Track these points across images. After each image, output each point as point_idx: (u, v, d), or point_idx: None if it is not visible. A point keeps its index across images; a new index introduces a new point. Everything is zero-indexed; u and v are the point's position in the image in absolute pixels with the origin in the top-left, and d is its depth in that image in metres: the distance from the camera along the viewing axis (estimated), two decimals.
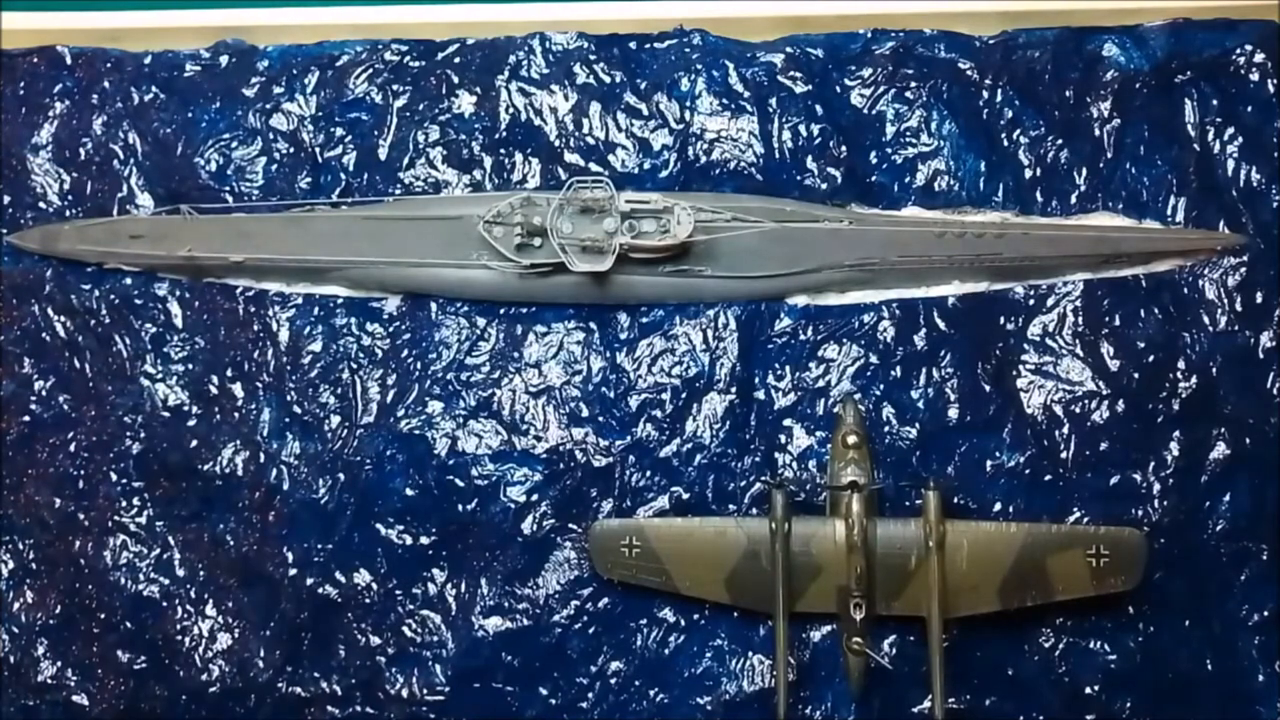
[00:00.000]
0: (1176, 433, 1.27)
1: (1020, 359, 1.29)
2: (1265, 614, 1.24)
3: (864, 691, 1.21)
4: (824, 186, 1.32)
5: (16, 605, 1.25)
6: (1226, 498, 1.26)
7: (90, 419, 1.27)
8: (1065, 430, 1.27)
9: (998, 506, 1.26)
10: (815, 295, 1.30)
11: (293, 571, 1.24)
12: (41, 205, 1.33)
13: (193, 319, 1.30)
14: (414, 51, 1.36)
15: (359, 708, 1.23)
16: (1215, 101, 1.33)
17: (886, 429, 1.27)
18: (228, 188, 1.32)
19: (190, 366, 1.29)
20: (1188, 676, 1.23)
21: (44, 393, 1.28)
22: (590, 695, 1.24)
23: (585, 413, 1.28)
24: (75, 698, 1.24)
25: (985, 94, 1.34)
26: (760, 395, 1.28)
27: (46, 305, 1.30)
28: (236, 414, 1.28)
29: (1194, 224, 1.32)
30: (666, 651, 1.24)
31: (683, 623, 1.25)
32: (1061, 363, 1.29)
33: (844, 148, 1.32)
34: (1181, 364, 1.28)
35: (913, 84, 1.34)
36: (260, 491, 1.26)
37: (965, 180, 1.32)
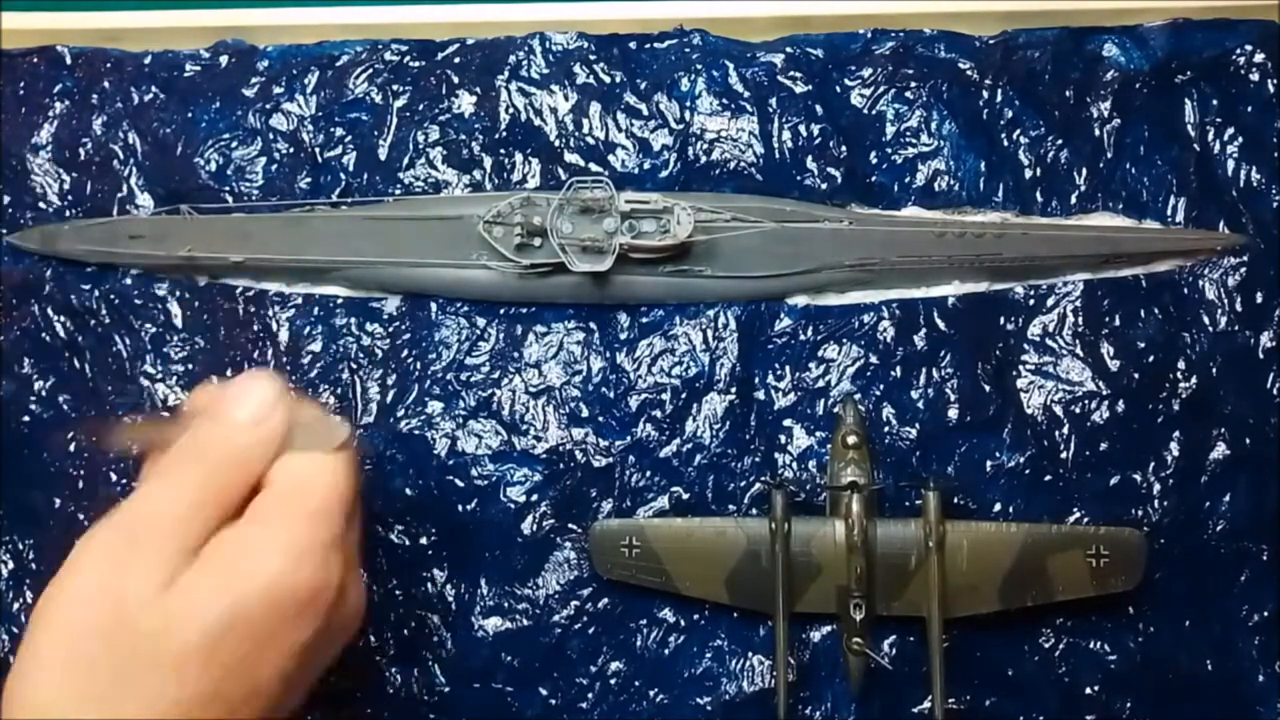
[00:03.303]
0: (1176, 433, 1.27)
1: (1020, 359, 1.29)
2: (1265, 614, 1.24)
3: (864, 691, 1.21)
4: (824, 186, 1.32)
5: (16, 605, 1.25)
6: (1226, 498, 1.26)
7: (90, 419, 1.27)
8: (1065, 430, 1.27)
9: (998, 506, 1.25)
10: (815, 295, 1.30)
11: None
12: (41, 205, 1.32)
13: (193, 319, 1.29)
14: (414, 51, 1.36)
15: (359, 708, 1.22)
16: (1215, 101, 1.33)
17: (886, 429, 1.27)
18: (228, 188, 1.32)
19: (190, 366, 1.28)
20: (1188, 677, 1.23)
21: (44, 393, 1.28)
22: (590, 695, 1.23)
23: (585, 413, 1.28)
24: None
25: (985, 94, 1.34)
26: (760, 395, 1.28)
27: (46, 305, 1.29)
28: None
29: (1194, 224, 1.31)
30: (666, 652, 1.24)
31: (683, 623, 1.25)
32: (1061, 363, 1.29)
33: (844, 148, 1.32)
34: (1181, 364, 1.28)
35: (913, 84, 1.34)
36: None
37: (965, 180, 1.32)
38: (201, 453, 0.83)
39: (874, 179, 1.32)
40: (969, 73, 1.34)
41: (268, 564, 0.79)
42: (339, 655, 0.89)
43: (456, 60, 1.35)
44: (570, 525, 1.25)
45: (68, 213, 1.32)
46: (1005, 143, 1.32)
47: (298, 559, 0.79)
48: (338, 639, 0.88)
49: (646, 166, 1.32)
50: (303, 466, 0.84)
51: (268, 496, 0.82)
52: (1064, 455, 1.26)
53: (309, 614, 0.80)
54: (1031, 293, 1.30)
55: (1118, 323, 1.29)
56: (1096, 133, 1.33)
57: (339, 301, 1.30)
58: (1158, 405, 1.27)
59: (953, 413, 1.27)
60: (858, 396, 1.27)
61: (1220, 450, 1.26)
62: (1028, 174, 1.32)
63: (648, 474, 1.26)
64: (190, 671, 0.76)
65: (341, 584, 0.83)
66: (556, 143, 1.33)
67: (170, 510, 0.80)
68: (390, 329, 1.29)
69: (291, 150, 1.32)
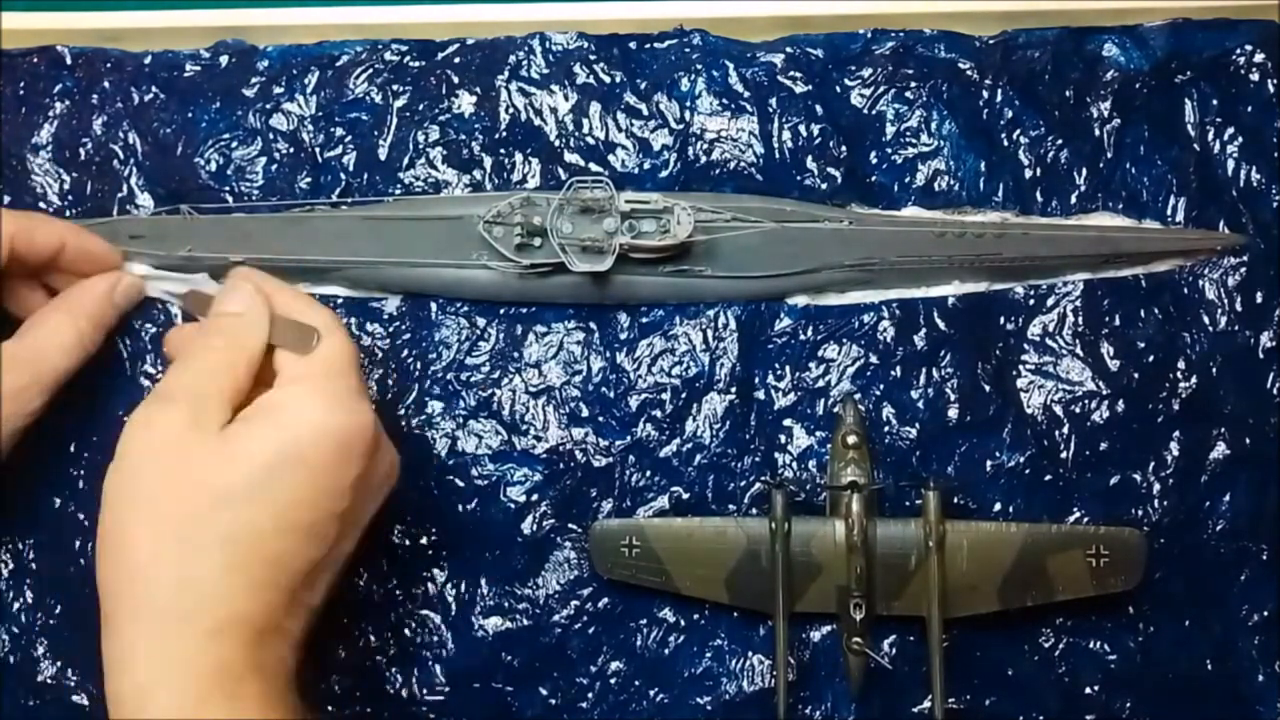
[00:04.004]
0: (1176, 433, 1.27)
1: (1020, 359, 1.29)
2: (1265, 614, 1.24)
3: (864, 691, 1.21)
4: (824, 186, 1.32)
5: (16, 605, 1.25)
6: (1226, 498, 1.26)
7: (90, 419, 1.27)
8: (1065, 430, 1.27)
9: (998, 506, 1.25)
10: (815, 295, 1.30)
11: None
12: (41, 205, 1.32)
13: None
14: (414, 51, 1.36)
15: (359, 708, 1.22)
16: (1215, 101, 1.33)
17: (886, 429, 1.27)
18: (228, 188, 1.32)
19: None
20: (1188, 676, 1.23)
21: None
22: (590, 695, 1.23)
23: (585, 413, 1.28)
24: (75, 698, 1.23)
25: (985, 94, 1.34)
26: (760, 395, 1.28)
27: None
28: None
29: (1194, 224, 1.32)
30: (666, 651, 1.24)
31: (683, 623, 1.25)
32: (1061, 363, 1.29)
33: (844, 148, 1.32)
34: (1181, 364, 1.28)
35: (913, 84, 1.34)
36: None
37: (965, 180, 1.32)
38: (206, 339, 0.97)
39: (874, 179, 1.32)
40: (969, 73, 1.34)
41: (309, 412, 0.90)
42: (381, 504, 1.02)
43: (456, 60, 1.35)
44: (570, 525, 1.25)
45: (68, 213, 1.32)
46: (1005, 143, 1.33)
47: (332, 406, 0.91)
48: (382, 484, 1.00)
49: (646, 166, 1.32)
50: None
51: (291, 365, 0.95)
52: (1064, 455, 1.26)
53: (352, 453, 0.91)
54: (1031, 293, 1.30)
55: (1118, 323, 1.29)
56: (1096, 133, 1.33)
57: (339, 301, 1.30)
58: (1158, 405, 1.27)
59: (953, 413, 1.27)
60: (858, 396, 1.27)
61: (1220, 450, 1.26)
62: (1028, 174, 1.32)
63: (648, 474, 1.26)
64: (256, 504, 0.87)
65: (375, 428, 0.95)
66: (556, 143, 1.33)
67: (194, 381, 0.92)
68: (390, 329, 1.29)
69: (291, 150, 1.33)
